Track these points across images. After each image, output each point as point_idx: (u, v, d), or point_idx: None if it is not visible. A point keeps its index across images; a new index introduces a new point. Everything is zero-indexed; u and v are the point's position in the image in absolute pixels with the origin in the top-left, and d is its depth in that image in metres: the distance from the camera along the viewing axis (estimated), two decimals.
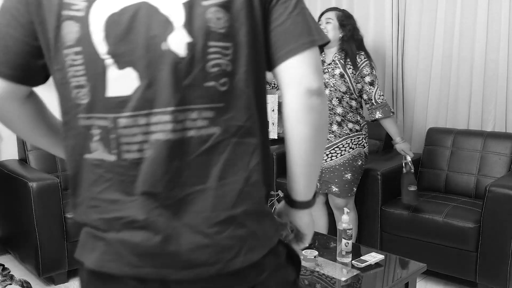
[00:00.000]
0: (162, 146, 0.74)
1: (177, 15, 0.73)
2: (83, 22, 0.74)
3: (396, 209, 2.74)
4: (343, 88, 2.58)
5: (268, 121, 0.89)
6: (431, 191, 3.02)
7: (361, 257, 2.07)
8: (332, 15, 2.65)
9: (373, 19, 3.56)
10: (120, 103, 0.74)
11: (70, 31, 0.74)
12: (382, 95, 2.65)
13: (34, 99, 0.88)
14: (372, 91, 2.59)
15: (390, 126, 2.68)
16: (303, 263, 2.03)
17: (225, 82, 0.76)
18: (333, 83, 2.58)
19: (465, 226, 2.46)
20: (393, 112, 2.68)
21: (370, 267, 2.02)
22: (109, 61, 0.74)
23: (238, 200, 0.77)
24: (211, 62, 0.75)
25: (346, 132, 2.62)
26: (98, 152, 0.77)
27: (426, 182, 3.09)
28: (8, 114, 0.84)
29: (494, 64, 3.00)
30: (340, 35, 2.61)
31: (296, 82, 0.78)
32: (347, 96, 2.59)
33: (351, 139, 2.63)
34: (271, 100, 4.14)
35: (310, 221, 0.93)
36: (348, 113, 2.61)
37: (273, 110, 4.17)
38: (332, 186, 2.64)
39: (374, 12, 3.56)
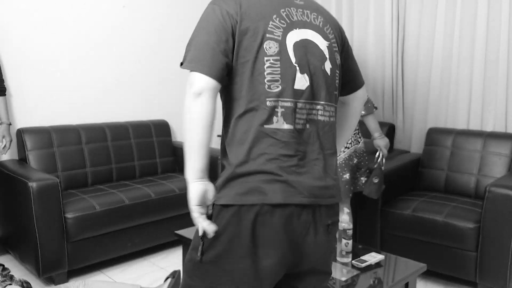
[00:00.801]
0: (317, 123, 1.25)
1: (326, 51, 1.28)
2: (281, 43, 1.21)
3: (396, 209, 2.74)
4: None
5: None
6: (431, 191, 3.02)
7: (361, 257, 2.07)
8: None
9: (373, 19, 3.56)
10: (299, 93, 1.22)
11: (271, 46, 1.20)
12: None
13: None
14: None
15: (371, 122, 2.63)
16: None
17: (338, 92, 1.34)
18: None
19: (465, 226, 2.46)
20: (376, 107, 2.64)
21: (370, 267, 2.02)
22: (297, 67, 1.22)
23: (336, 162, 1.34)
24: (336, 80, 1.32)
25: None
26: (278, 124, 1.19)
27: (426, 182, 3.09)
28: (212, 108, 1.17)
29: (494, 64, 3.00)
30: None
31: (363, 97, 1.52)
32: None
33: None
34: None
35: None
36: None
37: None
38: None
39: (374, 12, 3.56)
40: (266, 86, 1.19)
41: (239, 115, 1.20)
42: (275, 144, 1.18)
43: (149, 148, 3.49)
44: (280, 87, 1.20)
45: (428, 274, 2.70)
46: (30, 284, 2.28)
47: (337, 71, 1.32)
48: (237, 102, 1.21)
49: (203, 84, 1.16)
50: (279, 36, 1.21)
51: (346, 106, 1.47)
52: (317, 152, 1.25)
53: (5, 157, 2.98)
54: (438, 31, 3.22)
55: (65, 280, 2.62)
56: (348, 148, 2.60)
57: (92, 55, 3.36)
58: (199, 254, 1.20)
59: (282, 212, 1.17)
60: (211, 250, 1.19)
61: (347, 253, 2.08)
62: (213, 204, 1.19)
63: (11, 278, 2.27)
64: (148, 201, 2.91)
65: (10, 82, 2.99)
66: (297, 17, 1.26)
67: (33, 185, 2.44)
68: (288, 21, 1.24)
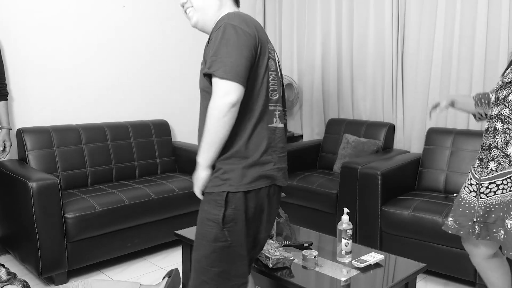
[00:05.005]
0: (284, 120, 1.61)
1: (279, 68, 1.61)
2: (275, 61, 1.57)
3: (396, 209, 2.74)
4: None
5: None
6: (431, 191, 3.02)
7: (361, 257, 2.07)
8: None
9: (373, 19, 3.57)
10: (278, 100, 1.57)
11: (272, 64, 1.54)
12: None
13: None
14: None
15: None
16: (303, 263, 2.03)
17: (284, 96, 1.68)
18: None
19: None
20: None
21: (370, 267, 2.02)
22: (281, 81, 1.60)
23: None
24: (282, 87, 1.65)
25: None
26: (276, 123, 1.55)
27: (426, 182, 3.09)
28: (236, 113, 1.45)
29: (494, 64, 3.00)
30: None
31: None
32: None
33: None
34: None
35: None
36: None
37: None
38: (501, 230, 1.82)
39: (374, 12, 3.56)
40: (270, 94, 1.53)
41: (247, 116, 1.47)
42: (276, 138, 1.54)
43: (149, 148, 3.49)
44: (278, 95, 1.55)
45: (428, 274, 2.70)
46: (28, 284, 2.29)
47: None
48: (247, 105, 1.47)
49: (239, 96, 1.40)
50: (274, 56, 1.56)
51: None
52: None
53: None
54: (438, 31, 3.22)
55: (65, 280, 2.63)
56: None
57: (92, 55, 3.36)
58: (228, 239, 1.45)
59: (279, 191, 1.60)
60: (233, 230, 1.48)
61: (347, 253, 2.08)
62: (228, 193, 1.45)
63: (15, 276, 2.28)
64: (148, 201, 2.91)
65: (11, 82, 2.99)
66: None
67: (33, 185, 2.44)
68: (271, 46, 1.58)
